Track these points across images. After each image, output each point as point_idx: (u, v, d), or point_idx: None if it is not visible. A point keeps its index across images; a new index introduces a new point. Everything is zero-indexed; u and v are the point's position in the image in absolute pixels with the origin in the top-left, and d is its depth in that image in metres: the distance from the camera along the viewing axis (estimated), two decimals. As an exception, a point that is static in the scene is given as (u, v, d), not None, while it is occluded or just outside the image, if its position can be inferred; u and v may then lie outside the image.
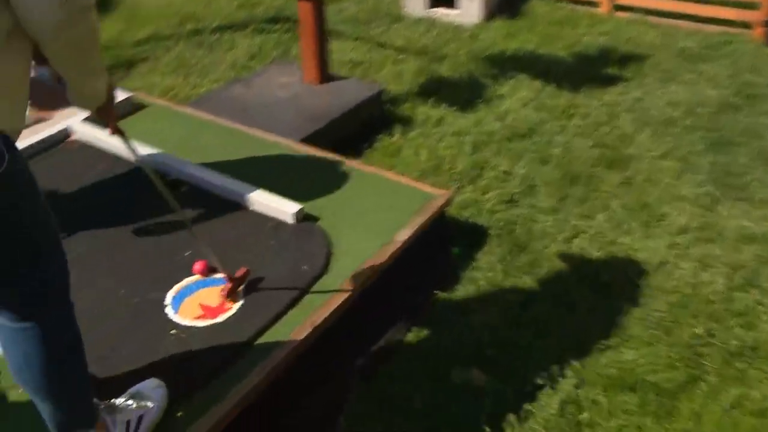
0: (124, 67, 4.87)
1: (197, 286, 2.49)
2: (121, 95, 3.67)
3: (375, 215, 2.80)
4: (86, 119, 3.42)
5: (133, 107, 3.64)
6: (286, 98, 3.85)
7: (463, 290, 2.83)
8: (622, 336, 2.58)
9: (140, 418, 1.99)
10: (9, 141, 1.49)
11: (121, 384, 2.12)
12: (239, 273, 2.49)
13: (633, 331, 2.60)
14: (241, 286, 2.45)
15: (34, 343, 1.66)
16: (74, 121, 3.38)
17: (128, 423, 1.96)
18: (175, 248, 2.67)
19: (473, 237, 3.13)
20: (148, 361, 2.22)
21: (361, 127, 3.83)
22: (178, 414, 2.08)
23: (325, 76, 3.99)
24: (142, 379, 2.12)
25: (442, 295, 2.81)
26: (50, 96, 3.24)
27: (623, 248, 3.03)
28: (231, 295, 2.44)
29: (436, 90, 4.36)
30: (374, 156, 3.71)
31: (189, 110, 3.66)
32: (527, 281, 2.87)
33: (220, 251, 2.49)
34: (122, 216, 2.87)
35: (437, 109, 4.14)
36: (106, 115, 1.91)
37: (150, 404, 2.01)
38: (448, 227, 3.06)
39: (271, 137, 3.36)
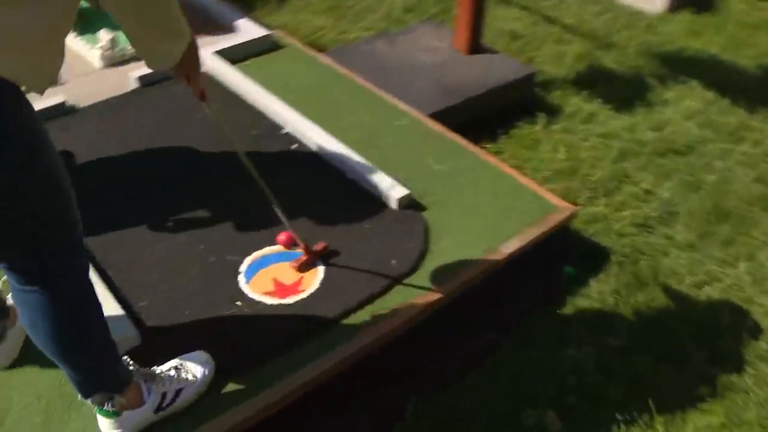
0: (277, -1, 4.78)
1: (276, 258, 2.36)
2: (261, 31, 3.57)
3: (487, 216, 2.55)
4: (218, 52, 3.34)
5: (270, 45, 3.53)
6: (428, 64, 3.60)
7: (562, 319, 2.56)
8: (734, 418, 2.24)
9: (178, 392, 1.90)
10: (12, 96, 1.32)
11: (172, 346, 2.04)
12: (317, 247, 2.34)
13: (748, 416, 2.25)
14: (318, 265, 2.31)
15: (39, 308, 1.56)
16: (206, 52, 3.31)
17: (164, 395, 1.87)
18: (266, 213, 2.54)
19: (591, 258, 2.82)
20: (206, 328, 2.13)
21: (502, 110, 3.54)
22: (222, 391, 1.98)
23: (476, 46, 3.70)
24: (194, 345, 2.03)
25: (538, 318, 2.55)
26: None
27: (761, 311, 2.63)
28: (304, 269, 2.30)
29: (594, 81, 3.97)
30: (508, 145, 3.43)
31: (324, 59, 3.51)
32: (637, 324, 2.55)
33: (307, 222, 2.35)
34: (218, 165, 2.78)
35: (590, 104, 3.77)
36: (185, 77, 1.74)
37: (192, 378, 1.92)
38: (565, 244, 2.76)
39: (400, 104, 3.15)
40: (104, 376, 1.76)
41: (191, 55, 1.65)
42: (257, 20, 3.81)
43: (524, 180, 2.75)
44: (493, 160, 2.87)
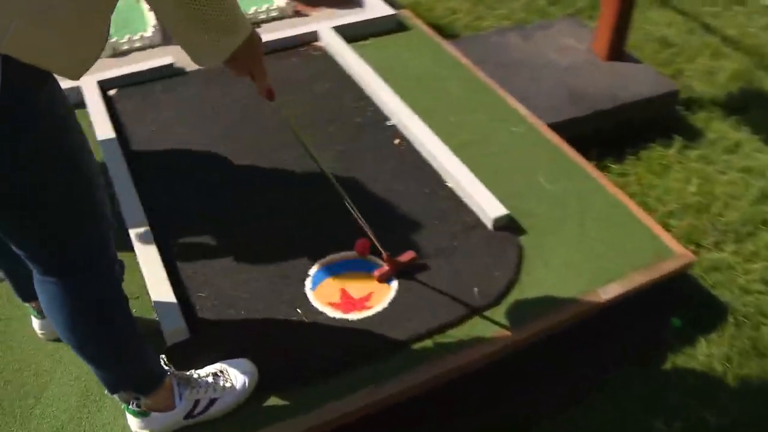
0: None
1: (350, 266, 2.21)
2: (386, 10, 3.38)
3: (591, 251, 2.29)
4: (336, 28, 3.18)
5: (394, 26, 3.35)
6: (560, 66, 3.31)
7: (656, 378, 2.27)
8: None
9: (212, 402, 1.79)
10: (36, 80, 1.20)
11: (220, 344, 1.95)
12: (404, 257, 2.16)
13: None
14: (392, 281, 2.13)
15: (56, 299, 1.47)
16: (325, 26, 3.16)
17: (197, 402, 1.77)
18: (348, 214, 2.38)
19: (705, 313, 2.49)
20: (259, 331, 2.01)
21: (634, 126, 3.21)
22: (264, 404, 1.86)
23: (617, 52, 3.37)
24: (243, 347, 1.92)
25: (628, 371, 2.28)
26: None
27: None
28: (383, 279, 2.14)
29: (746, 105, 3.54)
30: (635, 167, 3.10)
31: (449, 46, 3.29)
32: (744, 402, 2.22)
33: (388, 229, 2.18)
34: (321, 143, 2.64)
35: (737, 131, 3.36)
36: (245, 72, 1.54)
37: (229, 387, 1.80)
38: (677, 294, 2.45)
39: (520, 109, 2.90)
40: (127, 376, 1.67)
41: (250, 51, 1.45)
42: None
43: (642, 215, 2.45)
44: (611, 186, 2.57)
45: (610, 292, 2.15)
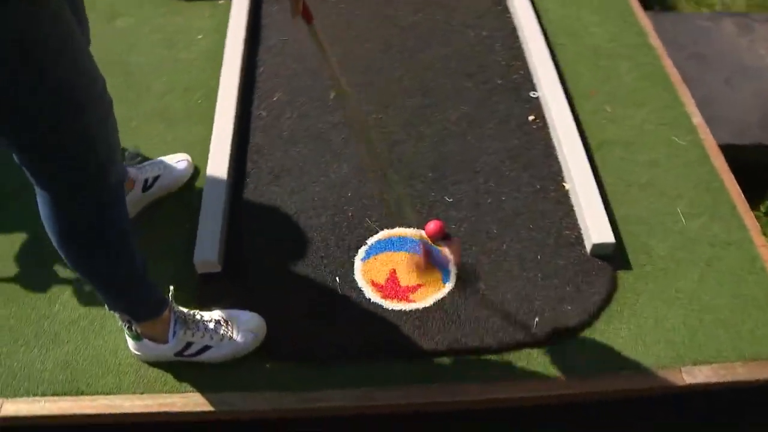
0: None
1: (412, 246, 1.97)
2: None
3: (695, 316, 1.87)
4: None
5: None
6: (770, 76, 2.72)
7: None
8: None
9: (205, 348, 1.72)
10: None
11: (243, 291, 1.87)
12: (452, 246, 1.92)
13: None
14: (447, 279, 1.88)
15: (47, 211, 1.41)
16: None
17: (188, 345, 1.71)
18: (437, 189, 2.13)
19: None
20: (288, 290, 1.89)
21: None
22: (259, 368, 1.75)
23: None
24: (263, 302, 1.83)
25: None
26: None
27: None
28: (420, 266, 1.92)
29: None
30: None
31: (645, 19, 2.78)
32: None
33: (469, 218, 1.93)
34: (448, 96, 2.38)
35: None
36: None
37: (227, 340, 1.72)
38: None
39: (695, 117, 2.41)
40: (119, 302, 1.62)
41: None
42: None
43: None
44: (762, 242, 2.09)
45: (697, 376, 1.76)
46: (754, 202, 2.35)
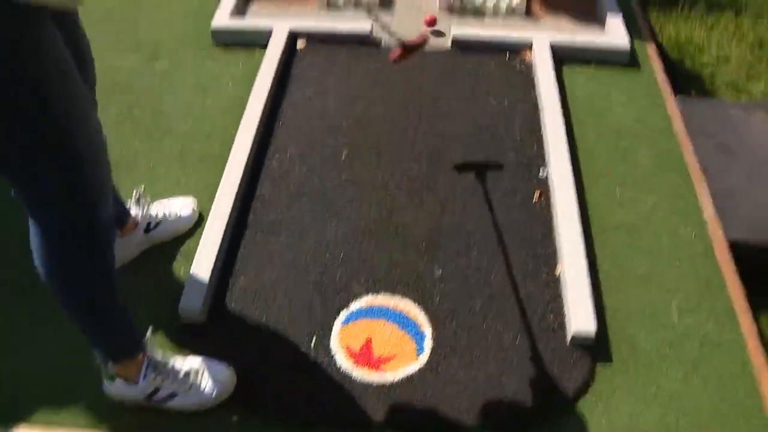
0: None
1: (393, 317, 1.99)
2: (621, 40, 2.93)
3: (672, 420, 1.82)
4: (554, 44, 2.84)
5: (625, 60, 2.91)
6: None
7: None
8: None
9: (172, 395, 1.76)
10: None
11: (223, 341, 1.91)
12: (415, 40, 2.23)
13: None
14: (424, 351, 1.88)
15: (34, 243, 1.47)
16: (544, 38, 2.82)
17: (157, 390, 1.75)
18: (434, 248, 2.15)
19: None
20: (263, 344, 1.92)
21: None
22: (233, 418, 1.78)
23: None
24: (239, 353, 1.87)
25: None
26: None
27: None
28: (398, 59, 2.19)
29: None
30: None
31: (673, 104, 2.75)
32: None
33: (451, 291, 1.96)
34: (453, 157, 2.39)
35: None
36: None
37: (194, 390, 1.76)
38: None
39: (707, 208, 2.36)
40: (96, 339, 1.68)
41: None
42: (645, 22, 3.13)
43: (773, 400, 1.90)
44: (756, 348, 2.02)
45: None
46: (764, 305, 2.27)
